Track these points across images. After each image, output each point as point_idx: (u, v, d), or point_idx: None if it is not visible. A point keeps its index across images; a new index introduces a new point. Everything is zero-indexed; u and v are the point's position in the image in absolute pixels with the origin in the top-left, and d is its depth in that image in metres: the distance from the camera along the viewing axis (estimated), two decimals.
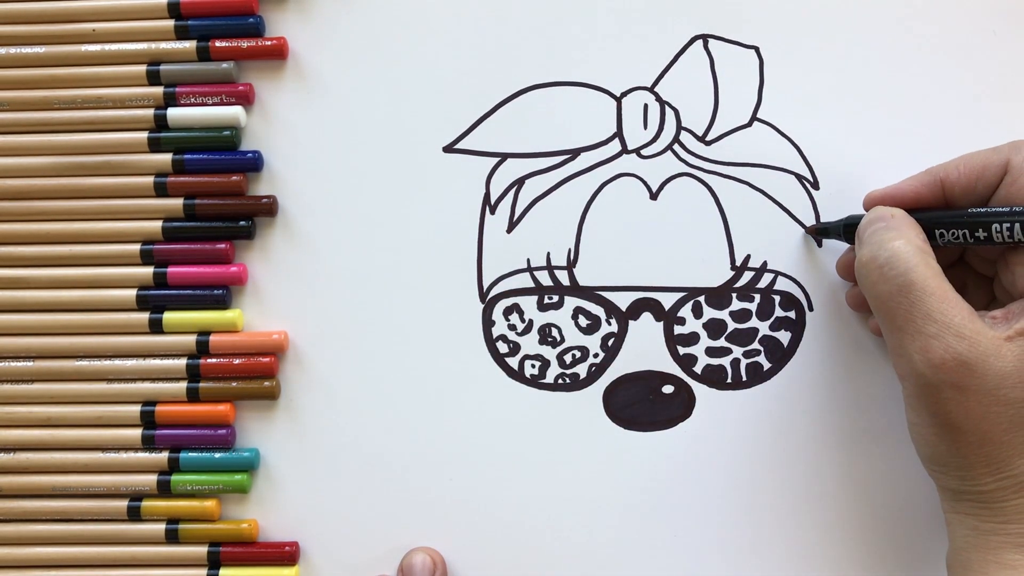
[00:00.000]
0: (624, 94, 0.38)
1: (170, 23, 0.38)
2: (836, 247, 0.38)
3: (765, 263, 0.38)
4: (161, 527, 0.38)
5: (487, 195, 0.38)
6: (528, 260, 0.38)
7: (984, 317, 0.30)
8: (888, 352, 0.32)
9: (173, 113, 0.38)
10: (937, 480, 0.32)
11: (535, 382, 0.38)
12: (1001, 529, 0.30)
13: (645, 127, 0.38)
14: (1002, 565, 0.30)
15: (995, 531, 0.30)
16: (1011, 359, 0.29)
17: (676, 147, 0.38)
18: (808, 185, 0.38)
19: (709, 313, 0.38)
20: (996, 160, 0.32)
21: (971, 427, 0.30)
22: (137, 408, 0.38)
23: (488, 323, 0.38)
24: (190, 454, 0.38)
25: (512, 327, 0.38)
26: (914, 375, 0.30)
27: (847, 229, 0.35)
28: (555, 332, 0.38)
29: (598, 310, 0.38)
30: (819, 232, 0.37)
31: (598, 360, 0.38)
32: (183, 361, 0.38)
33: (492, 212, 0.38)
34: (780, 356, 0.38)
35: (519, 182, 0.38)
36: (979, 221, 0.31)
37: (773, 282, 0.38)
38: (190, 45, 0.38)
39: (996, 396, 0.29)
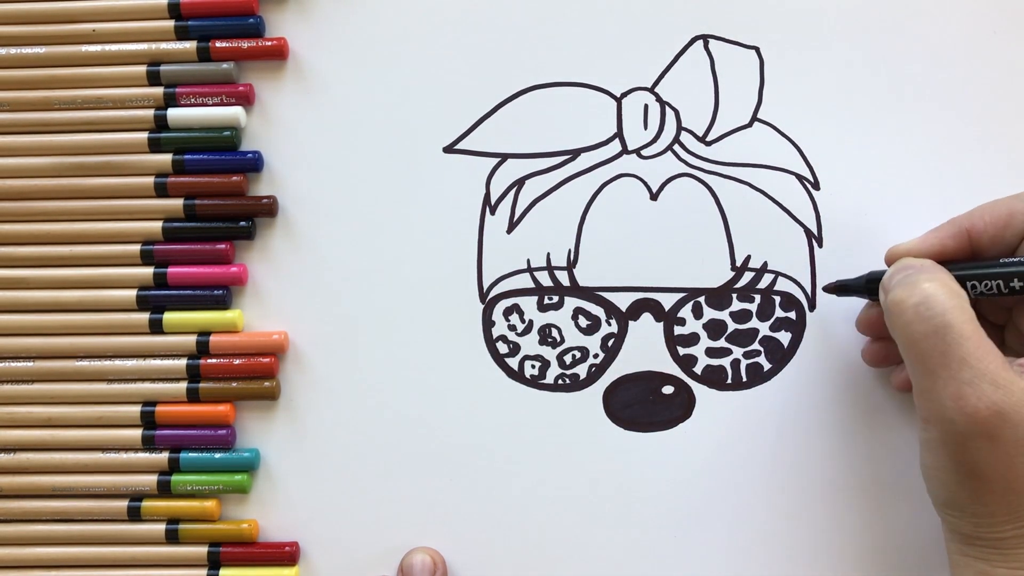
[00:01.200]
0: (624, 94, 0.38)
1: (170, 23, 0.38)
2: (838, 249, 0.38)
3: (765, 263, 0.38)
4: (161, 527, 0.38)
5: (487, 195, 0.38)
6: (528, 260, 0.38)
7: (1014, 363, 0.30)
8: (915, 396, 0.31)
9: (173, 113, 0.38)
10: (949, 523, 0.32)
11: (535, 382, 0.38)
12: (1013, 575, 0.30)
13: (645, 127, 0.38)
14: None
15: None
16: None
17: (676, 147, 0.38)
18: (808, 185, 0.38)
19: (709, 314, 0.38)
20: (1020, 208, 0.31)
21: (997, 477, 0.29)
22: (137, 408, 0.38)
23: (488, 323, 0.38)
24: (190, 454, 0.38)
25: (512, 327, 0.38)
26: (943, 421, 0.29)
27: (869, 284, 0.34)
28: (555, 332, 0.38)
29: (598, 310, 0.38)
30: (838, 289, 0.36)
31: (598, 360, 0.38)
32: (183, 361, 0.38)
33: (492, 212, 0.38)
34: (780, 357, 0.38)
35: (519, 182, 0.38)
36: (1015, 272, 0.31)
37: (773, 283, 0.38)
38: (190, 45, 0.38)
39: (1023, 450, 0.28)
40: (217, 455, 0.38)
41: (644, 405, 0.38)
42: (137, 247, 0.38)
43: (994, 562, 0.30)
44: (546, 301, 0.38)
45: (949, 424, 0.29)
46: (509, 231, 0.38)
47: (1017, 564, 0.30)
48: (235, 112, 0.38)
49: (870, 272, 0.35)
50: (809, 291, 0.38)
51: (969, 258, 0.33)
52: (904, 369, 0.35)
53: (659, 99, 0.38)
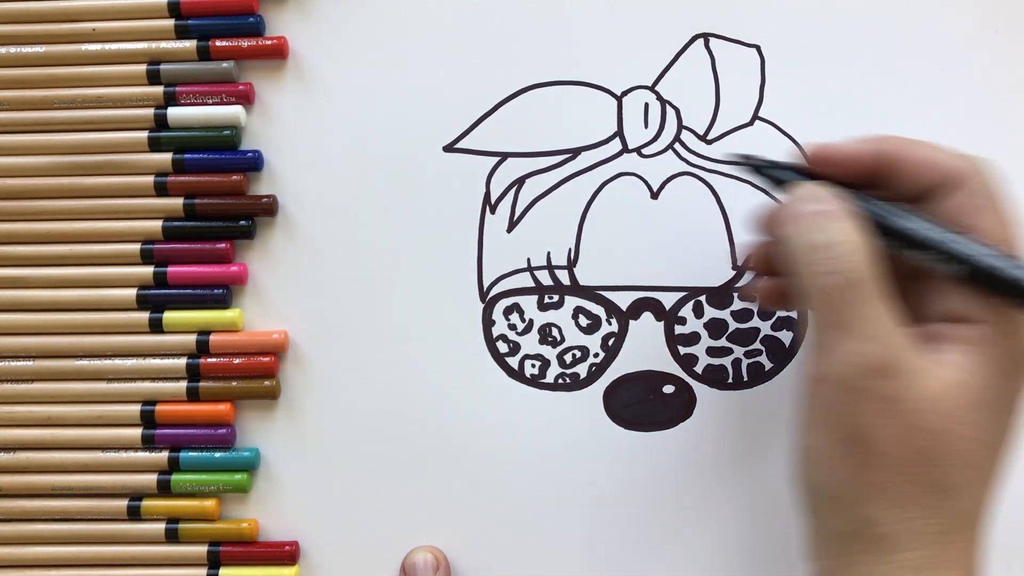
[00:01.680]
0: (625, 93, 0.38)
1: (170, 22, 0.38)
2: None
3: None
4: (161, 527, 0.38)
5: (487, 195, 0.38)
6: (528, 260, 0.38)
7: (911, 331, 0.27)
8: (812, 349, 0.28)
9: (173, 112, 0.38)
10: (819, 519, 0.28)
11: (535, 382, 0.38)
12: None
13: (646, 126, 0.38)
14: None
15: None
16: (938, 383, 0.26)
17: (677, 146, 0.38)
18: None
19: (710, 313, 0.38)
20: (945, 164, 0.28)
21: (886, 449, 0.26)
22: (137, 408, 0.38)
23: (488, 323, 0.38)
24: (190, 454, 0.38)
25: (512, 327, 0.38)
26: (837, 379, 0.27)
27: (782, 173, 0.31)
28: (555, 332, 0.38)
29: (598, 310, 0.38)
30: (745, 164, 0.32)
31: (598, 360, 0.38)
32: (183, 361, 0.38)
33: (492, 212, 0.38)
34: (782, 356, 0.38)
35: (519, 182, 0.38)
36: (923, 242, 0.28)
37: None
38: (190, 44, 0.38)
39: (919, 419, 0.26)
40: (217, 454, 0.38)
41: (645, 404, 0.38)
42: (137, 246, 0.38)
43: (864, 572, 0.27)
44: (546, 300, 0.38)
45: (844, 383, 0.26)
46: (509, 230, 0.38)
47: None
48: (235, 111, 0.38)
49: (791, 163, 0.32)
50: None
51: (865, 179, 0.30)
52: (775, 280, 0.33)
53: (660, 98, 0.38)
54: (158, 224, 0.38)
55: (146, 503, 0.38)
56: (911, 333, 0.27)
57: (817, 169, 0.30)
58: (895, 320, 0.27)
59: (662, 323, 0.38)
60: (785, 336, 0.38)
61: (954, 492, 0.26)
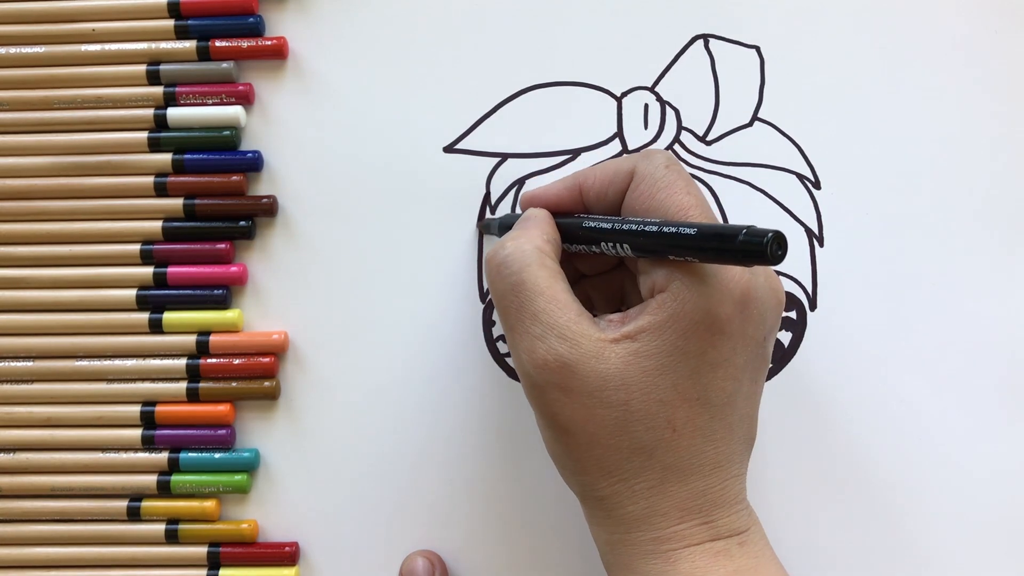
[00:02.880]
0: (624, 94, 0.38)
1: (170, 23, 0.38)
2: (839, 249, 0.38)
3: None
4: (161, 527, 0.38)
5: (487, 195, 0.38)
6: None
7: (602, 319, 0.30)
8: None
9: (173, 113, 0.38)
10: (571, 488, 0.32)
11: None
12: (627, 539, 0.30)
13: (646, 127, 0.38)
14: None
15: (622, 541, 0.30)
16: (614, 361, 0.28)
17: (677, 147, 0.38)
18: (809, 185, 0.38)
19: None
20: (625, 167, 0.32)
21: (578, 429, 0.29)
22: (137, 408, 0.38)
23: (488, 323, 0.38)
24: (190, 454, 0.38)
25: None
26: (524, 375, 0.30)
27: (501, 229, 0.35)
28: None
29: None
30: (484, 227, 0.38)
31: None
32: (183, 361, 0.38)
33: (492, 212, 0.38)
34: (781, 356, 0.38)
35: (519, 182, 0.38)
36: (592, 236, 0.31)
37: None
38: (190, 45, 0.38)
39: (599, 398, 0.28)
40: (217, 455, 0.38)
41: None
42: (137, 247, 0.38)
43: (609, 528, 0.30)
44: None
45: (528, 377, 0.30)
46: None
47: (625, 527, 0.29)
48: (235, 112, 0.38)
49: (505, 216, 0.36)
50: (810, 290, 0.38)
51: (582, 209, 0.33)
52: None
53: (659, 99, 0.38)
54: (158, 224, 0.38)
55: (146, 504, 0.38)
56: (599, 320, 0.30)
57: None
58: (565, 309, 0.29)
59: None
60: (784, 336, 0.38)
61: (649, 452, 0.29)
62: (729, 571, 0.29)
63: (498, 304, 0.31)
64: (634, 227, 0.29)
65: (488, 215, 0.38)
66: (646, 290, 0.30)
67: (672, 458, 0.29)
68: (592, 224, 0.31)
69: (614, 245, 0.30)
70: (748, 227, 0.26)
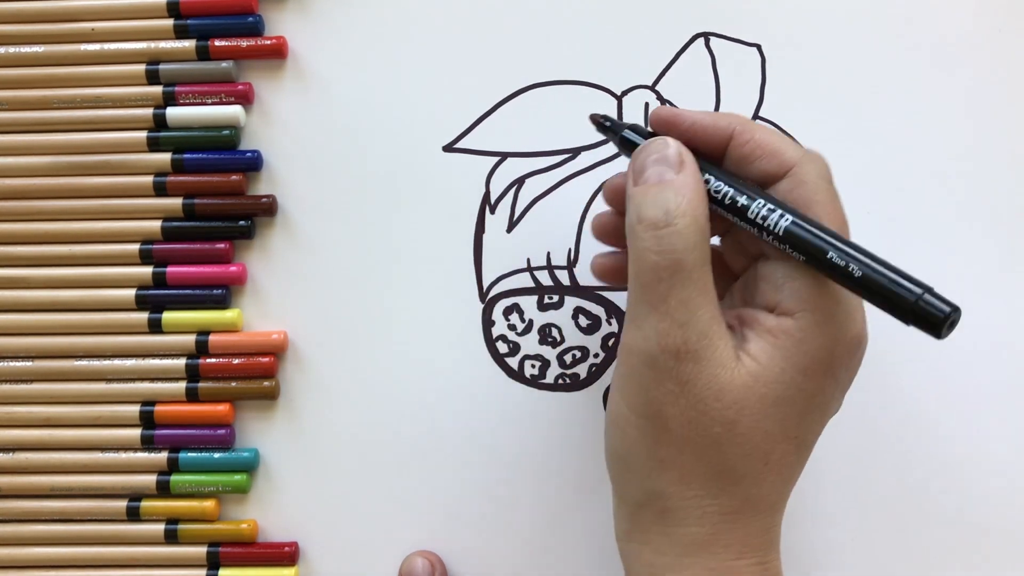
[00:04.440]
0: (625, 93, 0.38)
1: (169, 22, 0.38)
2: None
3: None
4: (160, 527, 0.38)
5: (487, 195, 0.38)
6: (528, 260, 0.38)
7: (727, 312, 0.28)
8: (626, 322, 0.29)
9: (172, 112, 0.38)
10: (621, 491, 0.30)
11: (535, 382, 0.38)
12: (678, 565, 0.28)
13: (646, 126, 0.38)
14: None
15: (671, 567, 0.28)
16: (738, 377, 0.27)
17: None
18: None
19: None
20: (788, 156, 0.29)
21: (677, 427, 0.27)
22: (136, 408, 0.38)
23: (488, 323, 0.38)
24: (189, 454, 0.38)
25: (512, 327, 0.38)
26: (644, 354, 0.27)
27: (624, 142, 0.31)
28: (555, 332, 0.38)
29: (598, 310, 0.38)
30: (602, 127, 0.33)
31: (598, 360, 0.38)
32: (182, 361, 0.38)
33: (492, 212, 0.38)
34: None
35: (519, 181, 0.38)
36: (740, 212, 0.28)
37: None
38: (189, 44, 0.38)
39: (711, 407, 0.27)
40: (216, 455, 0.38)
41: None
42: (136, 246, 0.38)
43: (660, 547, 0.28)
44: (546, 300, 0.38)
45: (650, 359, 0.27)
46: (509, 230, 0.38)
47: (680, 550, 0.28)
48: (234, 111, 0.38)
49: (635, 124, 0.32)
50: None
51: (716, 153, 0.30)
52: (611, 256, 0.34)
53: (660, 97, 0.38)
54: (157, 224, 0.38)
55: (145, 504, 0.38)
56: (724, 317, 0.28)
57: (677, 134, 0.30)
58: (710, 305, 0.27)
59: None
60: None
61: (737, 478, 0.27)
62: None
63: (644, 275, 0.27)
64: (801, 232, 0.27)
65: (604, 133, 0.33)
66: (768, 298, 0.28)
67: (755, 491, 0.28)
68: (753, 203, 0.28)
69: (764, 232, 0.27)
70: (927, 290, 0.24)
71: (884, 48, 0.38)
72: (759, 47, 0.38)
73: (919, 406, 0.37)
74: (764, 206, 0.27)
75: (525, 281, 0.38)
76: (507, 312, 0.38)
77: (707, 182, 0.29)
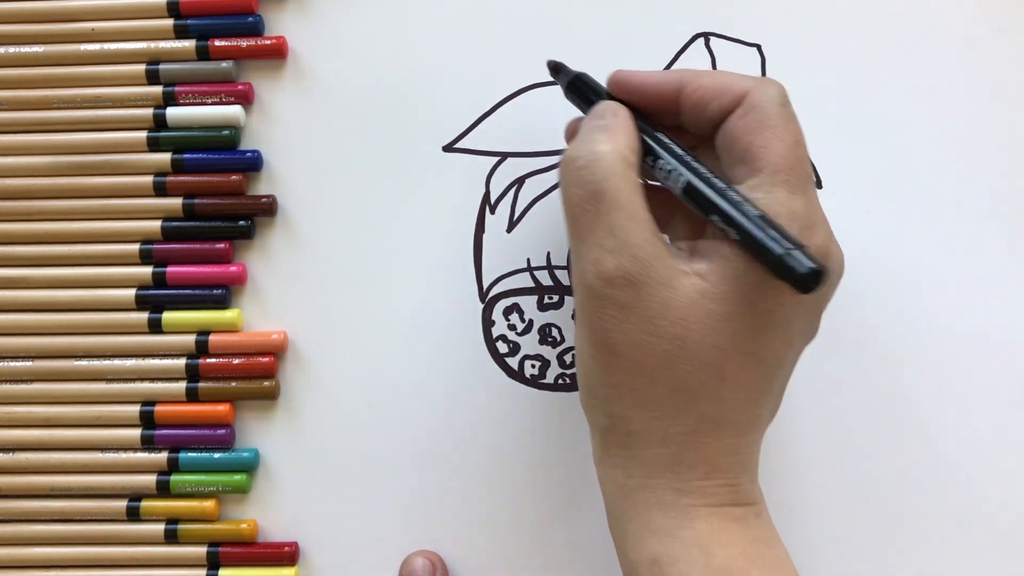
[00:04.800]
0: None
1: (169, 22, 0.38)
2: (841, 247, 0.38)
3: None
4: (160, 527, 0.38)
5: (487, 195, 0.38)
6: (528, 260, 0.38)
7: (674, 246, 0.29)
8: (569, 258, 0.29)
9: (172, 112, 0.38)
10: (590, 418, 0.30)
11: (535, 382, 0.38)
12: (645, 485, 0.28)
13: None
14: (654, 532, 0.28)
15: (640, 487, 0.29)
16: (681, 293, 0.27)
17: None
18: None
19: None
20: (738, 86, 0.29)
21: (625, 352, 0.28)
22: (136, 408, 0.38)
23: (488, 323, 0.38)
24: (189, 454, 0.38)
25: (512, 327, 0.38)
26: (584, 286, 0.28)
27: (571, 87, 0.33)
28: (555, 332, 0.38)
29: None
30: (554, 69, 0.35)
31: None
32: (182, 361, 0.38)
33: (492, 212, 0.38)
34: None
35: (519, 181, 0.38)
36: (657, 157, 0.29)
37: None
38: (189, 44, 0.38)
39: (656, 326, 0.27)
40: (216, 455, 0.38)
41: None
42: (136, 246, 0.38)
43: (629, 470, 0.29)
44: (546, 300, 0.38)
45: (589, 289, 0.28)
46: (509, 230, 0.38)
47: (647, 471, 0.28)
48: (234, 111, 0.38)
49: (580, 76, 0.33)
50: None
51: (674, 113, 0.31)
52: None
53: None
54: (157, 224, 0.38)
55: (145, 504, 0.38)
56: (670, 245, 0.28)
57: (620, 96, 0.31)
58: (640, 229, 0.28)
59: None
60: None
61: (692, 395, 0.28)
62: (747, 539, 0.28)
63: (570, 209, 0.29)
64: (696, 181, 0.28)
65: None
66: (719, 230, 0.29)
67: (713, 408, 0.28)
68: (648, 145, 0.30)
69: (667, 175, 0.29)
70: (800, 247, 0.25)
71: (884, 48, 0.38)
72: (759, 47, 0.38)
73: (919, 406, 0.37)
74: (671, 162, 0.29)
75: (525, 281, 0.38)
76: (507, 312, 0.38)
77: (643, 140, 0.30)
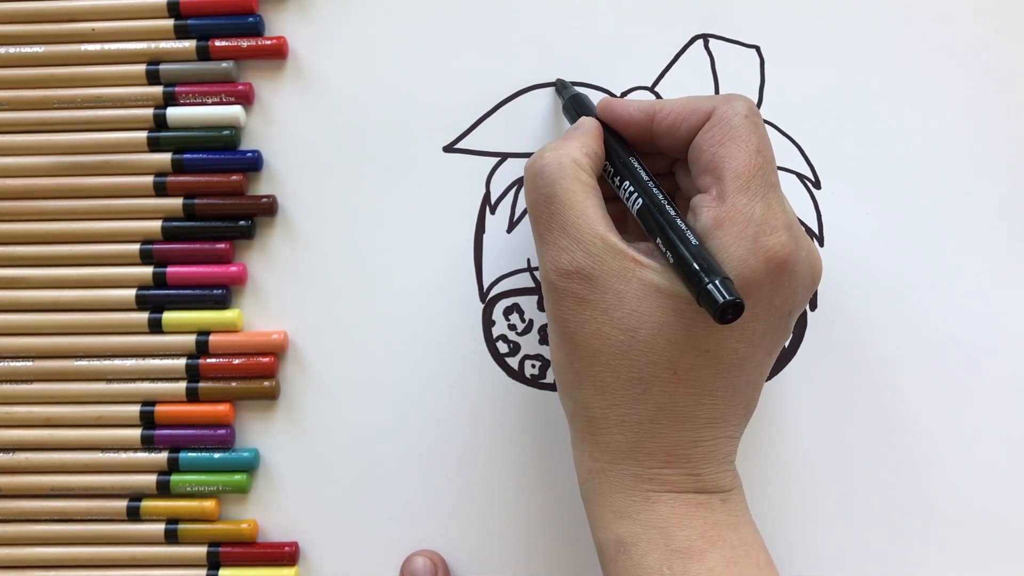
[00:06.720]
0: (624, 93, 0.38)
1: (169, 22, 0.38)
2: (839, 248, 0.38)
3: None
4: (161, 527, 0.38)
5: (487, 195, 0.38)
6: (528, 260, 0.38)
7: (632, 246, 0.30)
8: None
9: (172, 112, 0.38)
10: (563, 404, 0.32)
11: (535, 382, 0.38)
12: (609, 470, 0.30)
13: None
14: (618, 514, 0.30)
15: (604, 472, 0.30)
16: (634, 286, 0.29)
17: None
18: (810, 184, 0.38)
19: None
20: (705, 106, 0.31)
21: (583, 341, 0.29)
22: (136, 408, 0.38)
23: (488, 323, 0.38)
24: (190, 454, 0.38)
25: (512, 327, 0.38)
26: (546, 281, 0.31)
27: (565, 107, 0.36)
28: None
29: None
30: (559, 87, 0.38)
31: None
32: (182, 361, 0.38)
33: (492, 212, 0.38)
34: (781, 356, 0.38)
35: (519, 182, 0.38)
36: (617, 173, 0.32)
37: None
38: (190, 44, 0.38)
39: (610, 316, 0.29)
40: (216, 455, 0.38)
41: None
42: (136, 246, 0.38)
43: (594, 455, 0.31)
44: None
45: (550, 284, 0.30)
46: (509, 230, 0.38)
47: (609, 457, 0.30)
48: (235, 111, 0.38)
49: (576, 96, 0.36)
50: None
51: (649, 138, 0.33)
52: None
53: (659, 98, 0.38)
54: (157, 224, 0.38)
55: (146, 504, 0.38)
56: (628, 243, 0.30)
57: (605, 121, 0.34)
58: (592, 225, 0.29)
59: None
60: None
61: (646, 386, 0.29)
62: (708, 523, 0.29)
63: (531, 212, 0.31)
64: (649, 207, 0.30)
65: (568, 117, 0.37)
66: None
67: (667, 400, 0.29)
68: (616, 167, 0.32)
69: (627, 197, 0.31)
70: (723, 280, 0.27)
71: (883, 49, 0.38)
72: (758, 48, 0.38)
73: (918, 406, 0.37)
74: (630, 187, 0.31)
75: (525, 281, 0.38)
76: (507, 312, 0.38)
77: (613, 161, 0.33)
